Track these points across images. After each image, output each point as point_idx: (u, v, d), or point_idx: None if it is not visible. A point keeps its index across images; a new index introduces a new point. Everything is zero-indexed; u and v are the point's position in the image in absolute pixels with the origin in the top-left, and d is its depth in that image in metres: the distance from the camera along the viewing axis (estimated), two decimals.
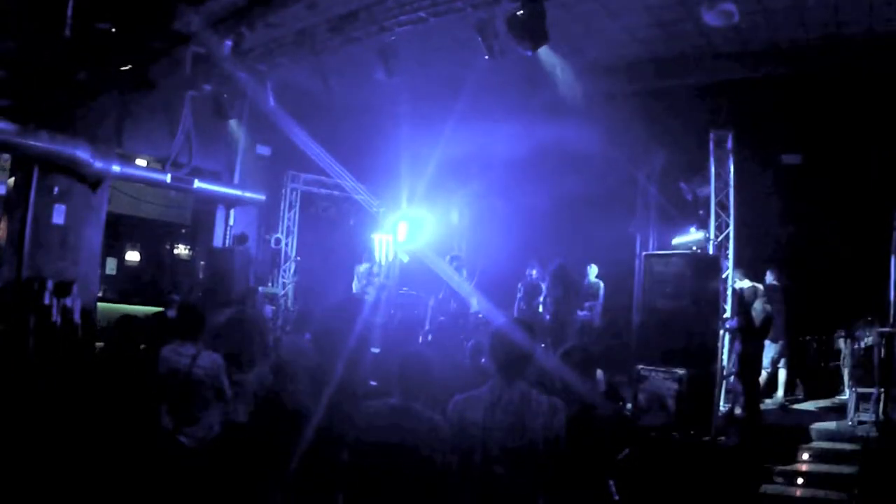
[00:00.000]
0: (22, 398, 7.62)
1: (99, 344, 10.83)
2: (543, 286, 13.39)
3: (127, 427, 5.66)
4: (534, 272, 13.96)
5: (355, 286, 15.06)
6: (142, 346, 6.54)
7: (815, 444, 8.94)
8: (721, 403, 10.17)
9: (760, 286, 10.64)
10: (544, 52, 10.32)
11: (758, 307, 10.03)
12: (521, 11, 8.95)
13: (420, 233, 15.45)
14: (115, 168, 13.10)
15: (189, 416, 5.81)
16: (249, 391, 5.83)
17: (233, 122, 14.17)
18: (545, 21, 8.99)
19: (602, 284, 13.76)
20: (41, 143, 11.74)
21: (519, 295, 14.01)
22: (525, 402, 3.98)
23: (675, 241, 13.53)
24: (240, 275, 13.37)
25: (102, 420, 5.66)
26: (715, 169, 11.61)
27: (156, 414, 5.81)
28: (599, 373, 5.13)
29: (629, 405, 9.66)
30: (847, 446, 8.71)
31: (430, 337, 12.13)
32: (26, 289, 11.51)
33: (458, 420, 4.07)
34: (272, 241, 16.46)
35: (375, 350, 8.82)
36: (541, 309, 13.28)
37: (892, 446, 8.41)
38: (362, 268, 15.28)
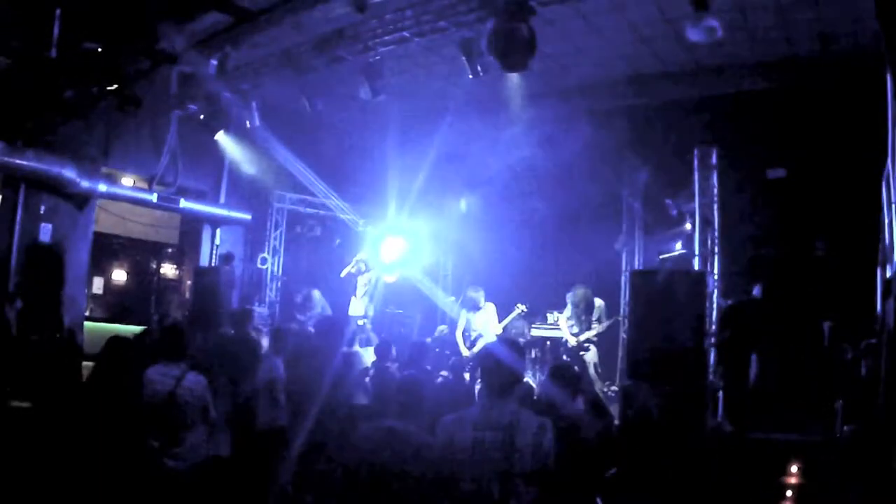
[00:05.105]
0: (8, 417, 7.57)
1: (86, 363, 10.74)
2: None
3: (113, 448, 5.61)
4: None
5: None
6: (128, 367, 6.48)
7: (804, 457, 8.94)
8: (709, 418, 10.19)
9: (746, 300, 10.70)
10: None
11: (742, 322, 10.07)
12: (505, 31, 8.92)
13: (406, 251, 15.39)
14: (102, 187, 13.06)
15: (174, 438, 5.78)
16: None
17: (218, 142, 14.15)
18: (528, 41, 8.97)
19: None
20: (27, 161, 11.68)
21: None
22: (514, 422, 3.97)
23: (661, 257, 13.58)
24: (225, 295, 13.29)
25: (88, 441, 5.61)
26: (699, 184, 11.65)
27: (141, 436, 5.77)
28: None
29: (616, 421, 9.65)
30: (835, 457, 8.73)
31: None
32: (13, 307, 11.44)
33: (447, 440, 4.06)
34: (258, 260, 16.41)
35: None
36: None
37: (877, 454, 8.43)
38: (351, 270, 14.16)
